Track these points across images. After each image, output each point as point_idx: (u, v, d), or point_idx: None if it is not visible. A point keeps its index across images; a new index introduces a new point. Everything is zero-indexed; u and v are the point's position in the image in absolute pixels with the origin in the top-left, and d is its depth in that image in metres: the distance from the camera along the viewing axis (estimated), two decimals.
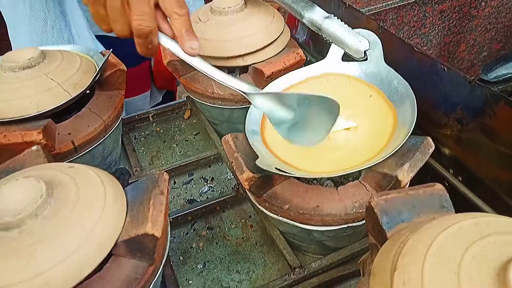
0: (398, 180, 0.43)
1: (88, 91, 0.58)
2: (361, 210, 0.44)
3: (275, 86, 0.56)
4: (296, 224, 0.46)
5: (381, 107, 0.52)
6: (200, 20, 0.63)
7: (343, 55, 0.56)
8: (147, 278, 0.38)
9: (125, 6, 0.43)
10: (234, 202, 0.63)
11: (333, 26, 0.55)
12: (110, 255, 0.36)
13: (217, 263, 0.56)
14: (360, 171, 0.48)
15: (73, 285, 0.33)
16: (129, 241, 0.36)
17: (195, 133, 0.77)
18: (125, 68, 0.62)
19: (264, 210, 0.49)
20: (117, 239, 0.36)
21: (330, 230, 0.46)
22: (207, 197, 0.65)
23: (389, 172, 0.44)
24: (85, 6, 0.50)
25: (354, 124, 0.50)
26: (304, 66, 0.58)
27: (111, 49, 0.62)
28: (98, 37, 0.79)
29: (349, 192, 0.46)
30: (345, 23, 0.55)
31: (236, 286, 0.53)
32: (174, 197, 0.65)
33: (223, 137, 0.50)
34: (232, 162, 0.47)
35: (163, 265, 0.41)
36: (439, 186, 0.36)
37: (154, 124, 0.79)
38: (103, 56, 0.62)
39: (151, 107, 0.93)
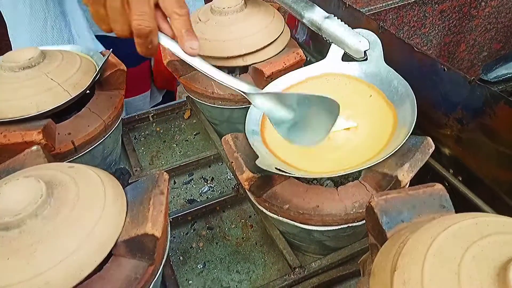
0: (398, 180, 0.43)
1: (88, 91, 0.58)
2: (361, 210, 0.44)
3: (275, 86, 0.56)
4: (296, 224, 0.46)
5: (381, 107, 0.52)
6: (200, 20, 0.63)
7: (343, 55, 0.56)
8: (147, 278, 0.38)
9: (125, 6, 0.43)
10: (234, 202, 0.63)
11: (333, 26, 0.55)
12: (110, 255, 0.36)
13: (217, 263, 0.56)
14: (360, 171, 0.49)
15: (73, 285, 0.33)
16: (129, 241, 0.36)
17: (195, 133, 0.77)
18: (125, 68, 0.62)
19: (264, 210, 0.49)
20: (117, 239, 0.36)
21: (330, 230, 0.46)
22: (207, 197, 0.65)
23: (389, 172, 0.44)
24: (85, 6, 0.50)
25: (354, 124, 0.50)
26: (304, 66, 0.58)
27: (111, 49, 0.62)
28: (98, 37, 0.79)
29: (349, 192, 0.46)
30: (345, 23, 0.55)
31: (236, 286, 0.53)
32: (174, 197, 0.65)
33: (223, 137, 0.50)
34: (232, 162, 0.47)
35: (163, 265, 0.41)
36: (439, 186, 0.36)
37: (154, 124, 0.79)
38: (103, 56, 0.62)
39: (151, 107, 0.93)
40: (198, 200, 0.65)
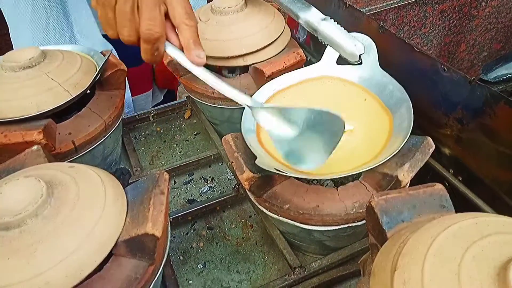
0: (398, 180, 0.43)
1: (88, 91, 0.58)
2: (361, 210, 0.44)
3: (271, 86, 0.56)
4: (296, 224, 0.46)
5: (376, 111, 0.52)
6: (200, 19, 0.63)
7: (338, 58, 0.56)
8: (147, 278, 0.38)
9: (135, 11, 0.43)
10: (234, 202, 0.63)
11: (329, 29, 0.55)
12: (110, 255, 0.36)
13: (217, 263, 0.56)
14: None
15: (74, 285, 0.33)
16: (130, 241, 0.36)
17: (195, 133, 0.77)
18: (126, 68, 0.62)
19: (264, 210, 0.49)
20: (118, 239, 0.36)
21: (330, 230, 0.46)
22: (207, 197, 0.65)
23: (389, 172, 0.44)
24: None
25: (351, 127, 0.50)
26: (304, 66, 0.58)
27: (115, 48, 0.62)
28: (105, 36, 0.79)
29: (349, 192, 0.46)
30: (343, 25, 0.55)
31: (236, 286, 0.53)
32: (174, 197, 0.65)
33: (223, 137, 0.50)
34: (232, 162, 0.47)
35: (163, 265, 0.41)
36: (439, 186, 0.36)
37: (154, 124, 0.79)
38: (104, 56, 0.62)
39: (152, 107, 0.93)
40: (198, 200, 0.65)
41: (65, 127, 0.55)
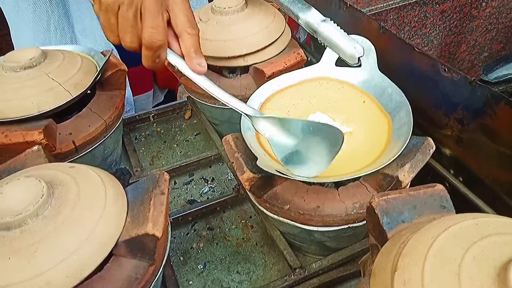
0: (399, 181, 0.43)
1: (89, 91, 0.58)
2: (361, 211, 0.44)
3: (270, 86, 0.56)
4: (296, 224, 0.46)
5: (375, 113, 0.52)
6: (201, 20, 0.63)
7: (337, 60, 0.56)
8: (147, 278, 0.38)
9: (138, 18, 0.43)
10: (234, 202, 0.63)
11: (329, 30, 0.55)
12: (110, 255, 0.36)
13: (217, 264, 0.56)
14: None
15: (74, 285, 0.33)
16: (130, 241, 0.36)
17: (195, 134, 0.77)
18: (126, 68, 0.62)
19: (265, 211, 0.49)
20: (118, 239, 0.36)
21: (330, 230, 0.46)
22: (208, 198, 0.65)
23: (390, 173, 0.44)
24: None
25: (350, 129, 0.50)
26: (305, 66, 0.58)
27: (116, 49, 0.62)
28: None
29: (349, 192, 0.46)
30: (344, 25, 0.55)
31: (237, 286, 0.53)
32: (174, 197, 0.65)
33: (223, 137, 0.50)
34: (233, 162, 0.47)
35: (164, 266, 0.41)
36: (439, 187, 0.36)
37: (154, 124, 0.79)
38: (104, 56, 0.62)
39: (152, 107, 0.93)
40: (199, 200, 0.65)
41: (65, 127, 0.55)
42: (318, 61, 0.57)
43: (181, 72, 0.47)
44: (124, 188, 0.41)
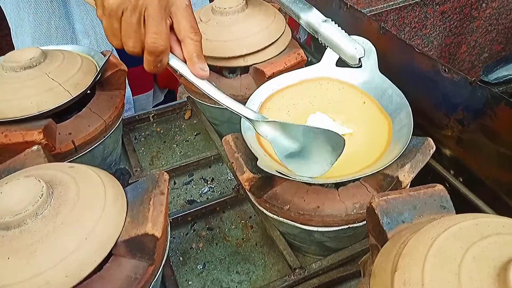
0: (399, 181, 0.43)
1: (89, 91, 0.58)
2: (361, 211, 0.44)
3: (270, 85, 0.56)
4: (296, 225, 0.46)
5: (375, 114, 0.52)
6: (201, 20, 0.63)
7: (337, 60, 0.56)
8: (147, 278, 0.38)
9: (141, 23, 0.43)
10: (234, 202, 0.63)
11: (330, 31, 0.55)
12: (110, 255, 0.36)
13: (217, 264, 0.56)
14: None
15: (73, 285, 0.33)
16: (129, 241, 0.36)
17: (195, 134, 0.77)
18: (126, 68, 0.62)
19: (265, 211, 0.48)
20: (117, 239, 0.36)
21: (330, 231, 0.46)
22: (207, 198, 0.65)
23: (390, 173, 0.44)
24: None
25: (350, 130, 0.50)
26: (305, 66, 0.58)
27: (113, 49, 0.62)
28: None
29: (349, 192, 0.46)
30: (344, 25, 0.55)
31: (236, 287, 0.53)
32: (174, 197, 0.65)
33: (223, 138, 0.50)
34: (233, 162, 0.47)
35: (163, 266, 0.41)
36: (439, 187, 0.35)
37: (154, 124, 0.79)
38: (104, 56, 0.62)
39: (152, 107, 0.93)
40: (198, 200, 0.65)
41: (65, 127, 0.55)
42: (318, 61, 0.57)
43: (183, 76, 0.47)
44: (123, 188, 0.41)
